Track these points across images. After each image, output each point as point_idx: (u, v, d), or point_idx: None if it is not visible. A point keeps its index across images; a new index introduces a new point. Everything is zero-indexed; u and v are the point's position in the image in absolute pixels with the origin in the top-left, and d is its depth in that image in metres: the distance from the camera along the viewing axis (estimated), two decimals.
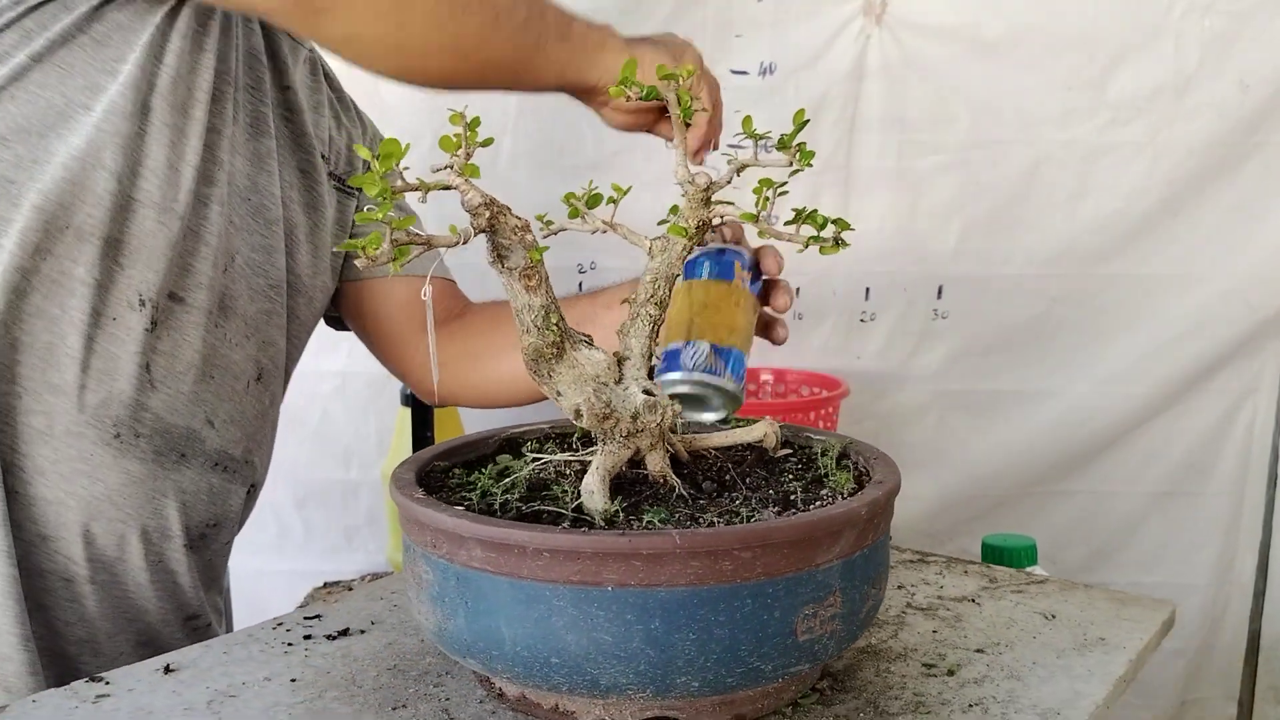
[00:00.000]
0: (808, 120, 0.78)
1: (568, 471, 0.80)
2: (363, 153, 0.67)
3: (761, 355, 1.82)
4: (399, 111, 1.75)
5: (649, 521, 0.70)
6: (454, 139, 0.71)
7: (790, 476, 0.82)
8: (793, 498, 0.75)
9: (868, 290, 1.79)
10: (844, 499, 0.75)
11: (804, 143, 0.78)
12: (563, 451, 0.84)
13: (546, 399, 1.07)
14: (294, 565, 1.83)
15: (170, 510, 0.98)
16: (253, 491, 1.13)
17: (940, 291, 1.78)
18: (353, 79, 1.73)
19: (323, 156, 1.11)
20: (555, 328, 0.74)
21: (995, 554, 1.06)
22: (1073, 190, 1.74)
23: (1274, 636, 1.90)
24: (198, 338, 0.97)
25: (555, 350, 0.75)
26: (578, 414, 0.74)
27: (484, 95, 1.69)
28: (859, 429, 1.81)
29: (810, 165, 0.79)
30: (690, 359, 0.89)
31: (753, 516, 0.72)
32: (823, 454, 0.86)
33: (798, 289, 1.80)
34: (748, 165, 0.80)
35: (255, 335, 1.04)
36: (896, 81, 1.72)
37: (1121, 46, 1.70)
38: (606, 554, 0.64)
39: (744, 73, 1.73)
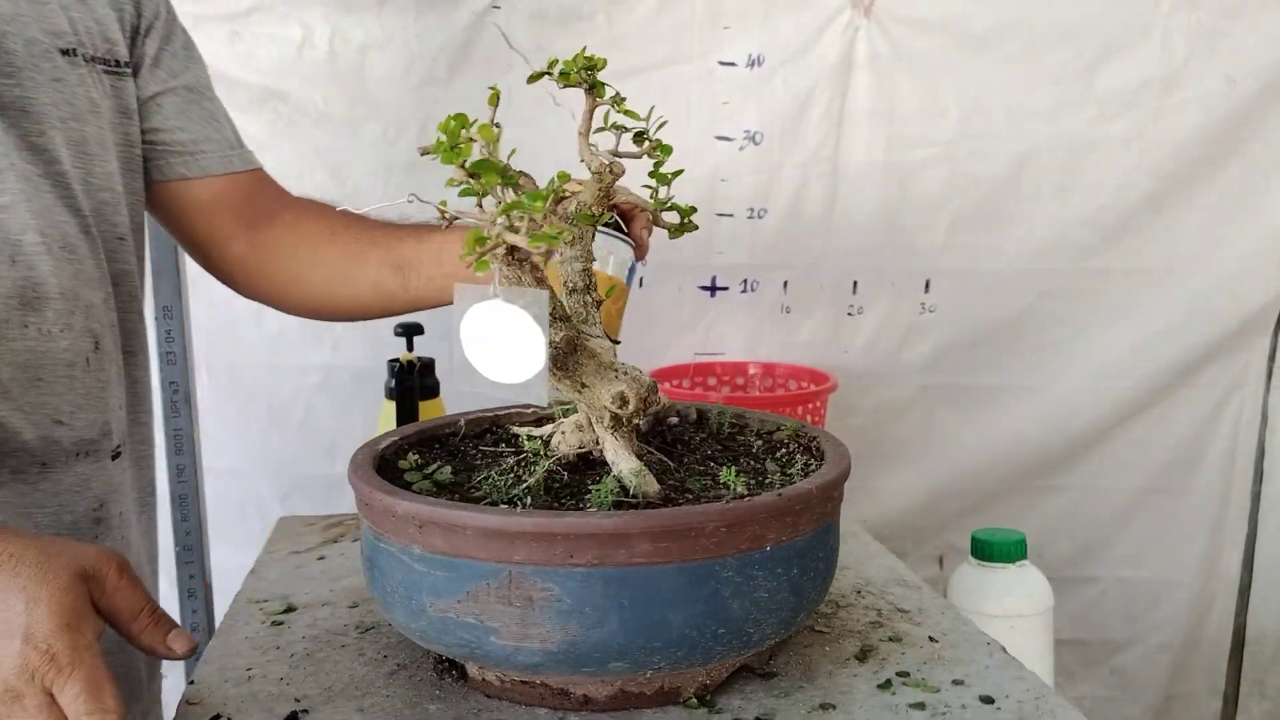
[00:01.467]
0: (665, 121, 0.76)
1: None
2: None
3: (750, 349, 1.82)
4: (386, 103, 1.74)
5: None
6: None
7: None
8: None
9: (855, 284, 1.79)
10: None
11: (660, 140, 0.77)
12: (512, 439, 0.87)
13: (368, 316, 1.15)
14: None
15: (44, 518, 0.94)
16: (120, 451, 1.05)
17: (928, 285, 1.78)
18: (344, 77, 1.73)
19: (66, 52, 0.97)
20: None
21: (984, 549, 1.05)
22: (1060, 184, 1.74)
23: (1259, 631, 1.90)
24: (9, 350, 0.91)
25: (569, 345, 0.75)
26: (623, 402, 0.74)
27: (480, 84, 1.67)
28: (846, 423, 1.81)
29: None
30: None
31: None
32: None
33: (785, 282, 1.80)
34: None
35: (75, 308, 0.96)
36: (885, 74, 1.71)
37: (1109, 41, 1.70)
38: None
39: (732, 64, 1.72)
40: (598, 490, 0.72)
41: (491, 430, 0.96)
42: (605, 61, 0.80)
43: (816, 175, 1.74)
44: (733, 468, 0.77)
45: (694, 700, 0.74)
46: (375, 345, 1.75)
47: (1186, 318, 1.78)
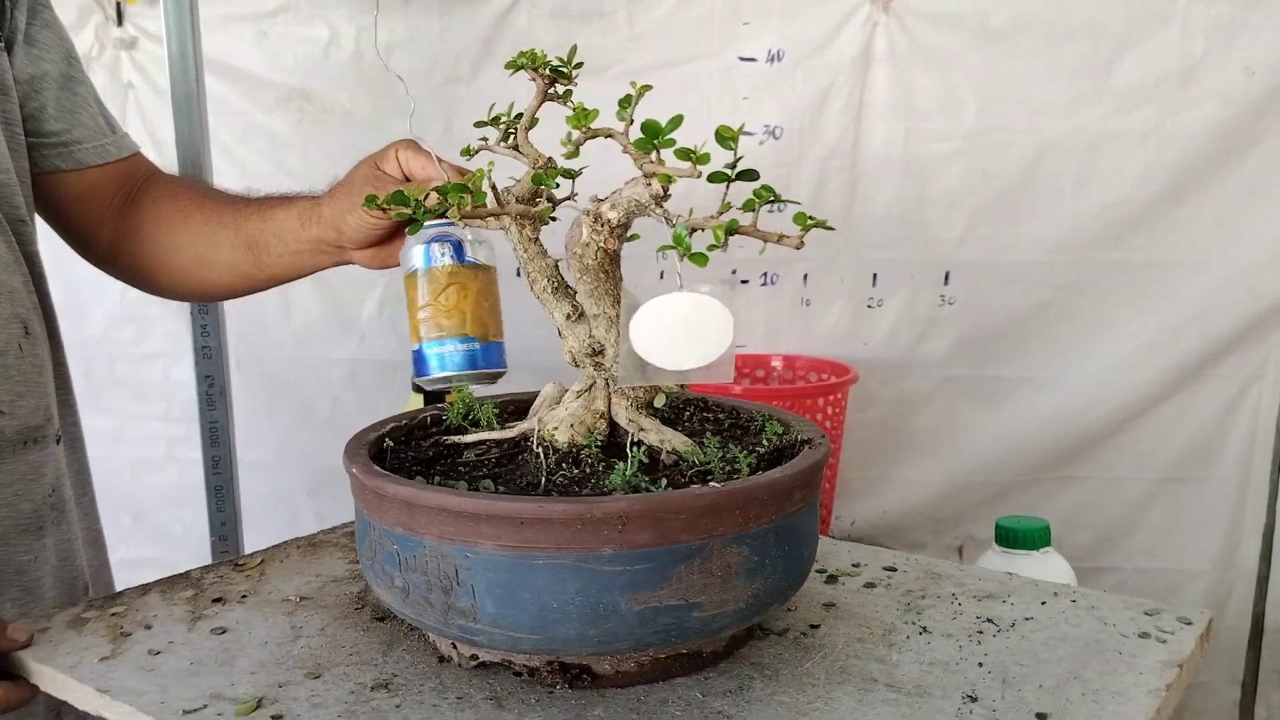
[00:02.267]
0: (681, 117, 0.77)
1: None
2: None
3: (770, 341, 1.83)
4: (409, 103, 1.76)
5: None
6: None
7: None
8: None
9: (875, 276, 1.80)
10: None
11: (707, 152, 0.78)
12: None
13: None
14: None
15: (0, 510, 0.94)
16: (59, 439, 1.04)
17: (947, 278, 1.79)
18: (369, 76, 1.75)
19: None
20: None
21: (1009, 536, 1.07)
22: (1078, 177, 1.75)
23: (1277, 620, 1.91)
24: None
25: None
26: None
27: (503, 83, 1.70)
28: (866, 415, 1.83)
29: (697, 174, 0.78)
30: (449, 361, 0.94)
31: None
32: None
33: (805, 275, 1.82)
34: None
35: None
36: (903, 69, 1.73)
37: (1127, 34, 1.71)
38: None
39: (752, 59, 1.74)
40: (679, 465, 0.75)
41: (428, 429, 0.93)
42: (542, 56, 0.83)
43: (836, 169, 1.76)
44: (737, 446, 0.80)
45: None
46: (401, 338, 1.77)
47: (1205, 309, 1.79)
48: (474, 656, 0.76)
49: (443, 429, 0.89)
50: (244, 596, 0.90)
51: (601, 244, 0.76)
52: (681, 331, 0.73)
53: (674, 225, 0.72)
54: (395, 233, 1.00)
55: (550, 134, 0.84)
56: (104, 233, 1.11)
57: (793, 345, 1.82)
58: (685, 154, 0.72)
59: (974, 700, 0.73)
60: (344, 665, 0.78)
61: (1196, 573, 1.90)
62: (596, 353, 0.80)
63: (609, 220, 0.75)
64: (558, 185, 0.83)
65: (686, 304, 0.73)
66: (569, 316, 0.81)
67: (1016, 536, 1.07)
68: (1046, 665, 0.78)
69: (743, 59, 1.74)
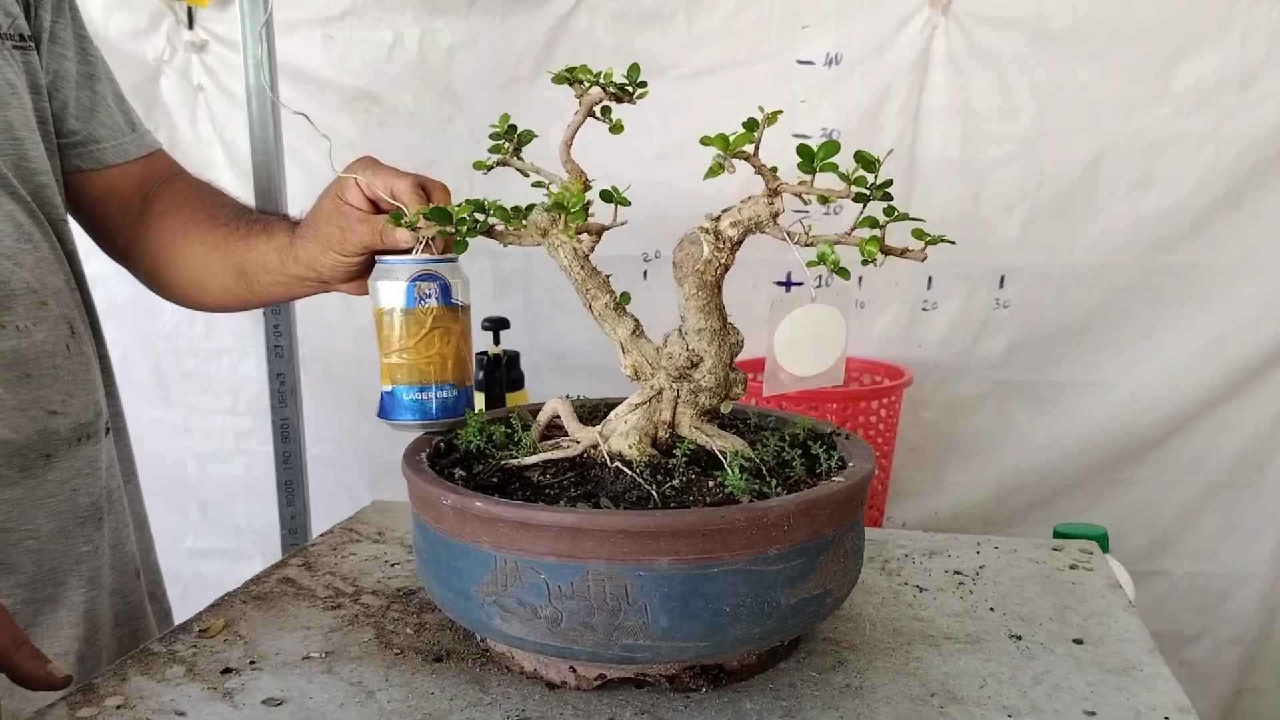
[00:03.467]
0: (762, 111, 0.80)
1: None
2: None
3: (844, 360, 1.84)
4: (472, 103, 1.79)
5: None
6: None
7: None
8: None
9: (930, 279, 1.81)
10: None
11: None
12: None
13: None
14: None
15: (59, 506, 0.96)
16: (109, 430, 1.05)
17: (1002, 281, 1.80)
18: (432, 77, 1.78)
19: None
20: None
21: None
22: (1136, 181, 1.75)
23: None
24: None
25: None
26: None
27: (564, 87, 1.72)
28: (919, 417, 1.84)
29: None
30: (428, 409, 0.90)
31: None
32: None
33: (859, 279, 1.83)
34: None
35: (45, 297, 0.94)
36: (961, 71, 1.73)
37: (1187, 37, 1.70)
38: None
39: (810, 63, 1.75)
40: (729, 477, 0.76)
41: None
42: (586, 70, 0.83)
43: (892, 172, 1.73)
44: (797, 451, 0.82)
45: None
46: None
47: (1261, 314, 1.78)
48: (600, 676, 0.76)
49: (470, 453, 0.86)
50: (253, 663, 0.82)
51: (722, 260, 0.78)
52: (810, 340, 0.79)
53: (794, 241, 0.75)
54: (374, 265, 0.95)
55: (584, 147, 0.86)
56: (120, 236, 1.10)
57: (847, 348, 1.83)
58: (843, 176, 0.75)
59: (1019, 639, 0.86)
60: (464, 712, 0.74)
61: (1249, 577, 1.89)
62: (693, 365, 0.81)
63: (730, 238, 0.77)
64: (589, 204, 0.82)
65: (816, 314, 0.80)
66: (634, 332, 0.82)
67: None
68: (1035, 602, 0.93)
69: (800, 62, 1.75)
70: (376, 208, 0.93)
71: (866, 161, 0.74)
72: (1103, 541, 1.08)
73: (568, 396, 0.89)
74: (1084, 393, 1.83)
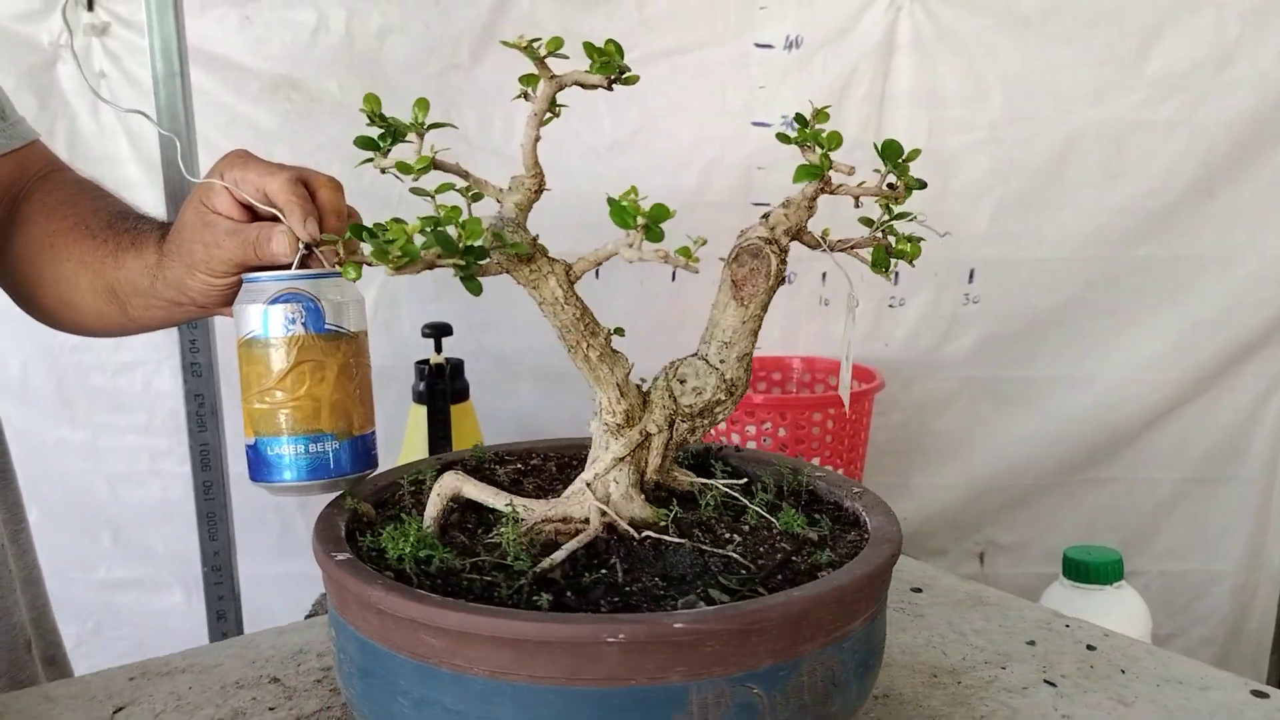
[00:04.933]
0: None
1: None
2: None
3: (787, 342, 1.75)
4: (406, 91, 1.65)
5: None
6: None
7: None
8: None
9: (896, 275, 1.72)
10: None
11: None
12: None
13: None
14: (297, 568, 1.74)
15: None
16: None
17: (971, 275, 1.72)
18: (361, 63, 1.64)
19: None
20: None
21: (1079, 569, 0.99)
22: (1107, 169, 1.68)
23: None
24: None
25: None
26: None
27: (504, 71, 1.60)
28: (887, 419, 1.76)
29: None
30: (297, 467, 0.73)
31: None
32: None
33: (824, 274, 1.74)
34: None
35: None
36: (928, 56, 1.64)
37: (1159, 20, 1.63)
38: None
39: (769, 46, 1.64)
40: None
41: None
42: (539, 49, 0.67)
43: (857, 161, 1.66)
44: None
45: None
46: (398, 345, 1.67)
47: (1234, 305, 1.73)
48: None
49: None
50: None
51: (776, 273, 0.68)
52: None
53: (831, 249, 0.71)
54: None
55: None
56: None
57: (811, 346, 1.74)
58: (915, 182, 0.70)
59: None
60: None
61: (1221, 575, 1.85)
62: (730, 396, 0.70)
63: (785, 248, 0.69)
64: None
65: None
66: (628, 374, 0.68)
67: (1088, 570, 0.99)
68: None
69: (759, 45, 1.64)
70: (252, 214, 0.76)
71: (894, 151, 0.64)
72: (1118, 568, 0.99)
73: (457, 467, 0.73)
74: (1054, 390, 1.77)
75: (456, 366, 1.52)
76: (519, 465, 0.80)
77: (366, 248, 0.59)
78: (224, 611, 1.40)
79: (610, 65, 0.64)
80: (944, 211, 1.69)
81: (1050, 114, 1.66)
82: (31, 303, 0.95)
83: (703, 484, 0.71)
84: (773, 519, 0.68)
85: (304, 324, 0.70)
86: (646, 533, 0.64)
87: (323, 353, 0.71)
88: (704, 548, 0.63)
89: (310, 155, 1.62)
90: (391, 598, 0.55)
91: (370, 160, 0.68)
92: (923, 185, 0.68)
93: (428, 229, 0.58)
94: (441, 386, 1.50)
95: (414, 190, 0.66)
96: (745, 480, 0.73)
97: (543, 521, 0.65)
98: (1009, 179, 1.68)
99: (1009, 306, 1.73)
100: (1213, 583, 1.86)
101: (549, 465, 0.81)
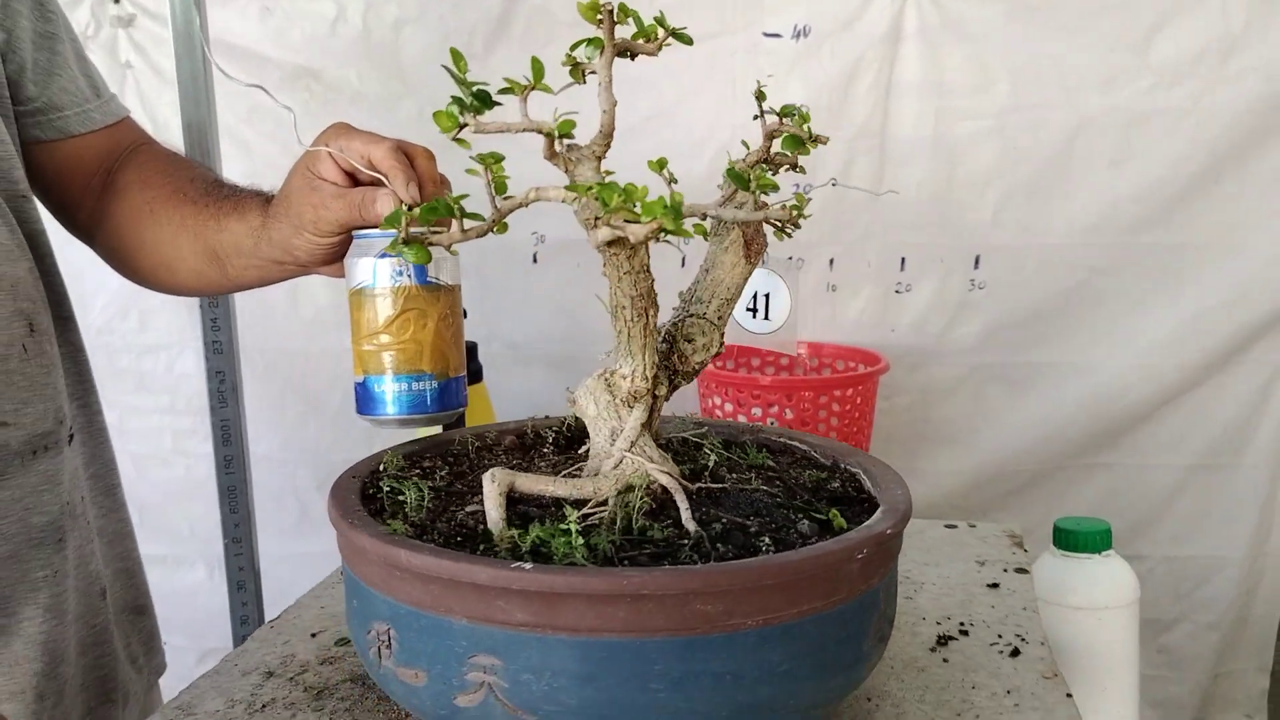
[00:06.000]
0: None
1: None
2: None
3: (797, 328, 1.78)
4: (421, 81, 1.69)
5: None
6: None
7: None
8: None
9: (903, 261, 1.75)
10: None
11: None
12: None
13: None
14: (315, 547, 1.79)
15: (10, 528, 0.86)
16: (74, 436, 0.96)
17: (977, 262, 1.74)
18: (378, 54, 1.68)
19: None
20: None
21: (1068, 539, 1.02)
22: (1114, 157, 1.69)
23: None
24: None
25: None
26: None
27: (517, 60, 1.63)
28: (892, 403, 1.78)
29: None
30: (402, 402, 0.81)
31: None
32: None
33: (831, 260, 1.76)
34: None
35: None
36: (934, 45, 1.66)
37: (1165, 8, 1.64)
38: None
39: (777, 35, 1.67)
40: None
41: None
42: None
43: (864, 150, 1.70)
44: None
45: None
46: None
47: (1240, 292, 1.74)
48: None
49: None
50: None
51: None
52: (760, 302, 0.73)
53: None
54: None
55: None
56: (83, 212, 1.02)
57: (818, 331, 1.77)
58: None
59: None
60: None
61: (1226, 560, 1.86)
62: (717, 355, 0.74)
63: None
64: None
65: (759, 279, 0.74)
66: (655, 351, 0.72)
67: (1077, 539, 1.02)
68: None
69: (767, 35, 1.67)
70: (354, 179, 0.83)
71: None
72: (1106, 537, 1.02)
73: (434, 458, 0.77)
74: (1060, 375, 1.78)
75: (470, 349, 1.56)
76: (492, 448, 0.84)
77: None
78: (244, 582, 1.45)
79: (657, 31, 0.70)
80: (950, 199, 1.71)
81: (1057, 102, 1.68)
82: (131, 266, 1.02)
83: (694, 438, 0.74)
84: (764, 462, 0.72)
85: (409, 276, 0.79)
86: (699, 484, 0.69)
87: (425, 302, 0.80)
88: (745, 489, 0.69)
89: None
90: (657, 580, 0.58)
91: (463, 127, 0.71)
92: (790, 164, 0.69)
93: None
94: None
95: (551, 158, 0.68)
96: (704, 428, 0.78)
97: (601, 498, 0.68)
98: (1015, 167, 1.70)
99: (1015, 293, 1.75)
100: (1218, 568, 1.87)
101: (526, 444, 0.84)
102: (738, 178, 0.65)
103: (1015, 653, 0.84)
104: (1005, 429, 1.80)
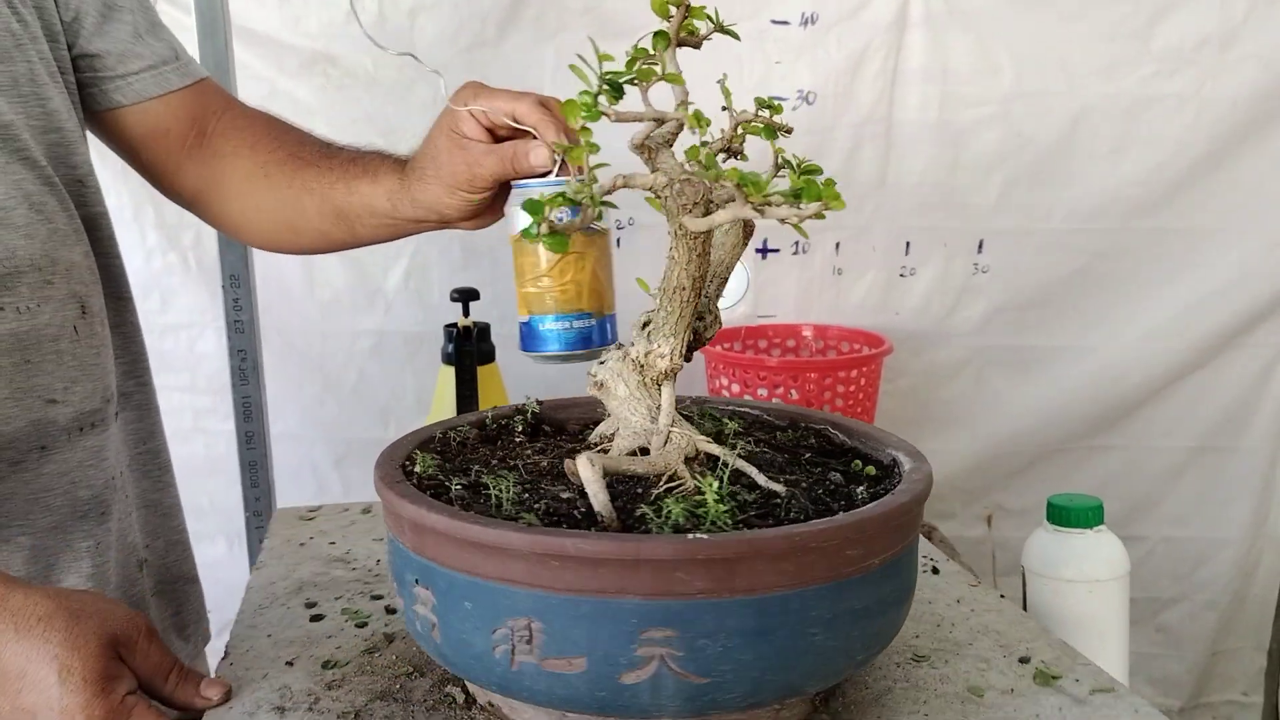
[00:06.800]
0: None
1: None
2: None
3: (801, 311, 1.81)
4: (436, 66, 1.72)
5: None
6: None
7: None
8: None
9: (908, 245, 1.78)
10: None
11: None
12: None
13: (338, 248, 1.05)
14: None
15: (56, 500, 0.89)
16: (119, 413, 0.98)
17: (981, 246, 1.77)
18: (394, 40, 1.71)
19: None
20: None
21: (1061, 514, 1.05)
22: (1116, 143, 1.72)
23: None
24: None
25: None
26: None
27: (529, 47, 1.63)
28: (895, 386, 1.81)
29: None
30: (565, 339, 0.87)
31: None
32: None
33: (837, 244, 1.79)
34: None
35: (54, 274, 0.87)
36: (939, 32, 1.69)
37: None
38: None
39: (785, 23, 1.70)
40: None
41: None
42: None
43: (870, 135, 1.73)
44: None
45: None
46: (428, 310, 1.76)
47: (1240, 277, 1.77)
48: None
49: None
50: None
51: None
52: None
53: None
54: (501, 194, 0.90)
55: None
56: (184, 178, 1.02)
57: (823, 315, 1.80)
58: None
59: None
60: None
61: (1225, 541, 1.90)
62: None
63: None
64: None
65: None
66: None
67: (1069, 515, 1.05)
68: None
69: (775, 22, 1.70)
70: (493, 135, 0.87)
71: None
72: (1098, 513, 1.05)
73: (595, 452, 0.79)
74: (1062, 358, 1.82)
75: (483, 329, 1.59)
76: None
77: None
78: None
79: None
80: (954, 184, 1.74)
81: (1060, 89, 1.71)
82: (247, 230, 1.06)
83: (682, 413, 0.78)
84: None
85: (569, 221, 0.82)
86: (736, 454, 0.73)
87: (583, 245, 0.84)
88: (756, 451, 0.76)
89: (346, 128, 1.67)
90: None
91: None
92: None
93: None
94: (469, 348, 1.57)
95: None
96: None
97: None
98: (1019, 152, 1.73)
99: (1018, 277, 1.78)
100: (1217, 549, 1.90)
101: (491, 435, 0.88)
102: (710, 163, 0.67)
103: (935, 570, 0.98)
104: (1007, 411, 1.84)
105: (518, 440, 0.86)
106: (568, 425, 0.90)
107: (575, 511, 0.67)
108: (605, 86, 0.71)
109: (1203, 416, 1.84)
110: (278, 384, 1.75)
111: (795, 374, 1.57)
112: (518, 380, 1.69)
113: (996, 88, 1.71)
